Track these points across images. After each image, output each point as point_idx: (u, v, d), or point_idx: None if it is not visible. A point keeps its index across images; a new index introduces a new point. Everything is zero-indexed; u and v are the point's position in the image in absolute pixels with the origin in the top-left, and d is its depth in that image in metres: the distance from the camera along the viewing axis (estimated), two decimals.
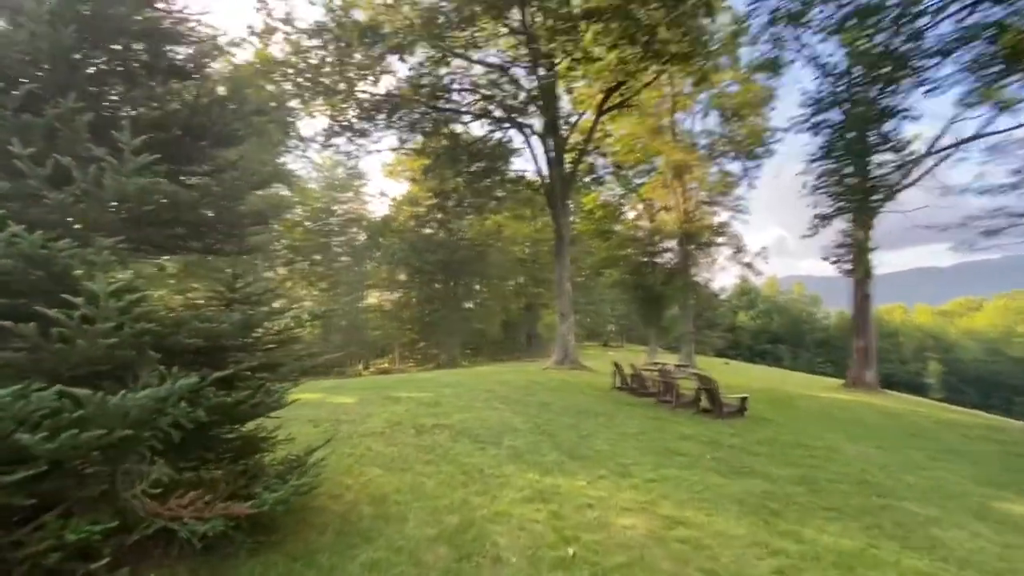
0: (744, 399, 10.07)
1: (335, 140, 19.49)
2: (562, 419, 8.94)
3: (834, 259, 15.60)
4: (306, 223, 45.66)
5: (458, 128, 20.90)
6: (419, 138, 21.45)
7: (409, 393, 11.95)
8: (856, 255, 15.51)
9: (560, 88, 20.81)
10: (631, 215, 36.85)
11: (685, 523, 4.42)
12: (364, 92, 17.96)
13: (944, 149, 14.41)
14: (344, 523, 4.30)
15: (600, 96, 19.93)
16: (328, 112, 17.84)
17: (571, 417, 9.16)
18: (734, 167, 30.97)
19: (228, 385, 3.52)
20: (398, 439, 7.33)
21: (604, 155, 20.54)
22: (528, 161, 25.54)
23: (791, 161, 24.78)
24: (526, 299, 60.07)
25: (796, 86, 42.57)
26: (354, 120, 18.65)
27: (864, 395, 19.14)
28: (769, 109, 29.20)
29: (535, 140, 20.35)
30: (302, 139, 21.66)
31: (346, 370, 37.41)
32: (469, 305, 58.89)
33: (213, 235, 4.49)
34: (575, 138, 21.43)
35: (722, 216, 35.04)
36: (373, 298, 55.60)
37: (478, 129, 21.04)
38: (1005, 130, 12.66)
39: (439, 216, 38.32)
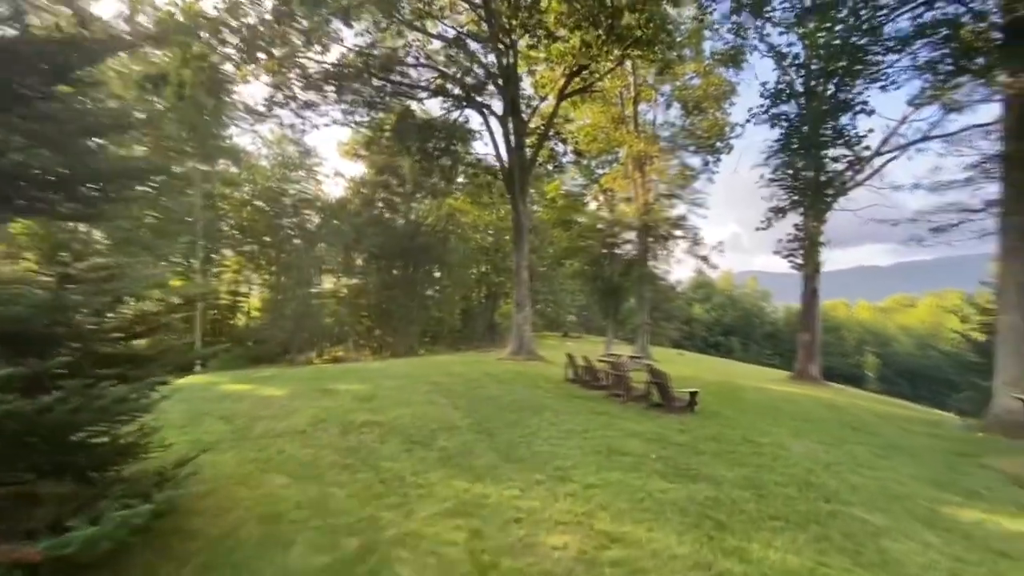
0: (694, 393, 9.80)
1: (279, 111, 18.05)
2: (506, 415, 8.38)
3: (786, 253, 15.71)
4: (256, 202, 42.89)
5: (413, 105, 19.77)
6: (372, 114, 20.24)
7: (348, 385, 11.11)
8: (807, 250, 15.68)
9: (522, 70, 20.06)
10: (592, 206, 36.69)
11: (622, 540, 3.91)
12: (309, 59, 16.61)
13: (896, 149, 14.75)
14: (216, 551, 3.55)
15: (562, 80, 19.30)
16: (268, 79, 16.39)
17: (516, 413, 8.61)
18: (694, 161, 31.20)
19: (39, 384, 2.70)
20: (318, 439, 6.57)
21: (565, 141, 19.91)
22: (487, 145, 24.84)
23: (748, 157, 25.04)
24: (488, 288, 59.46)
25: (756, 82, 43.47)
26: (299, 90, 17.27)
27: (809, 388, 19.64)
28: (729, 104, 29.49)
29: (495, 123, 19.56)
30: (249, 112, 19.97)
31: (294, 358, 35.69)
32: (429, 293, 57.73)
33: (57, 193, 3.58)
34: (536, 123, 20.78)
35: (681, 209, 35.40)
36: (329, 283, 53.59)
37: (435, 108, 20.00)
38: (951, 133, 12.92)
39: (383, 196, 36.67)
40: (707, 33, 26.37)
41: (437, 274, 58.84)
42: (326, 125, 19.26)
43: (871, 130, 12.84)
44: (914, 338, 69.66)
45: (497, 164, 20.11)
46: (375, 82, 18.86)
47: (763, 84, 12.91)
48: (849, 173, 13.52)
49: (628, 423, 8.19)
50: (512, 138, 19.42)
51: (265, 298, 44.94)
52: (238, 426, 7.27)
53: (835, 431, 9.25)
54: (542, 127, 19.95)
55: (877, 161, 16.58)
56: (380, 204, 43.65)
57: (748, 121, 13.68)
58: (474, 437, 6.87)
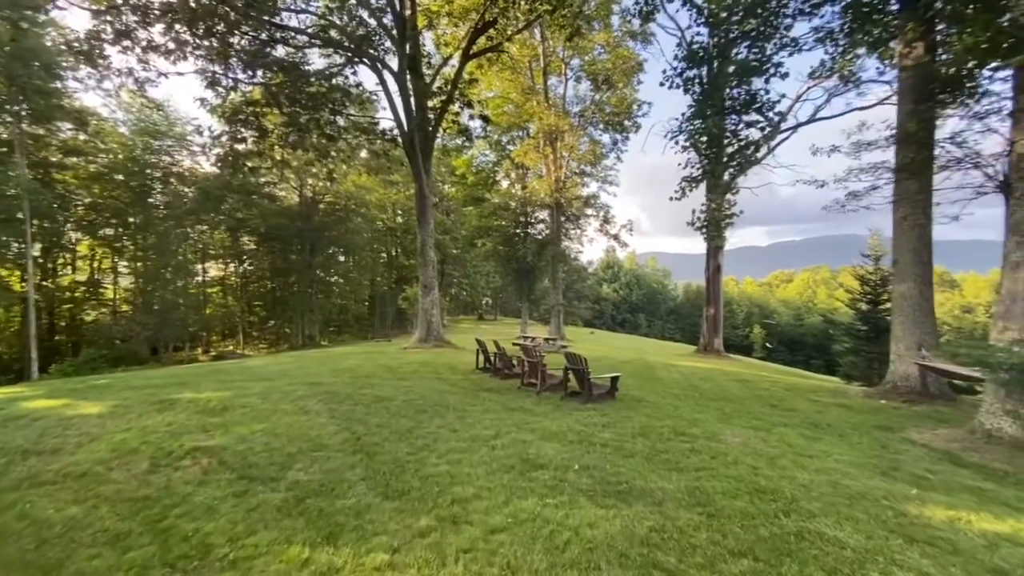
0: (615, 379, 8.83)
1: (109, 51, 14.23)
2: (398, 422, 6.72)
3: (699, 225, 15.50)
4: (116, 176, 35.52)
5: (290, 57, 16.75)
6: (246, 70, 16.89)
7: (199, 393, 8.74)
8: (716, 223, 15.60)
9: (422, 24, 17.86)
10: (505, 184, 35.40)
11: None
12: None
13: (802, 124, 14.98)
14: None
15: (466, 39, 17.45)
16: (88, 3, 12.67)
17: (411, 417, 6.98)
18: (604, 139, 30.99)
19: None
20: (103, 485, 4.47)
21: (471, 104, 18.11)
22: (384, 121, 21.87)
23: (653, 143, 25.12)
24: (398, 272, 56.36)
25: (663, 60, 44.37)
26: (135, 25, 13.67)
27: (715, 361, 20.14)
28: (637, 83, 29.48)
29: (392, 82, 17.24)
30: (70, 49, 15.66)
31: (163, 358, 30.73)
32: (334, 279, 53.33)
33: None
34: (440, 87, 18.74)
35: (592, 187, 35.32)
36: (215, 271, 47.23)
37: (319, 61, 17.14)
38: (859, 108, 13.14)
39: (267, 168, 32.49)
40: (615, 8, 25.94)
41: (342, 258, 54.65)
42: (180, 74, 15.66)
43: (783, 95, 12.64)
44: (791, 309, 77.77)
45: (397, 131, 17.83)
46: (243, 28, 15.65)
47: (677, 45, 12.22)
48: (760, 139, 13.46)
49: (545, 420, 6.92)
50: (412, 100, 17.31)
51: (130, 289, 38.16)
52: None
53: (757, 411, 8.77)
54: (446, 89, 17.99)
55: (777, 138, 17.01)
56: (268, 179, 38.77)
57: (662, 84, 12.95)
58: (346, 460, 5.15)
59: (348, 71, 16.62)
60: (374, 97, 19.57)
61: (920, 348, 10.42)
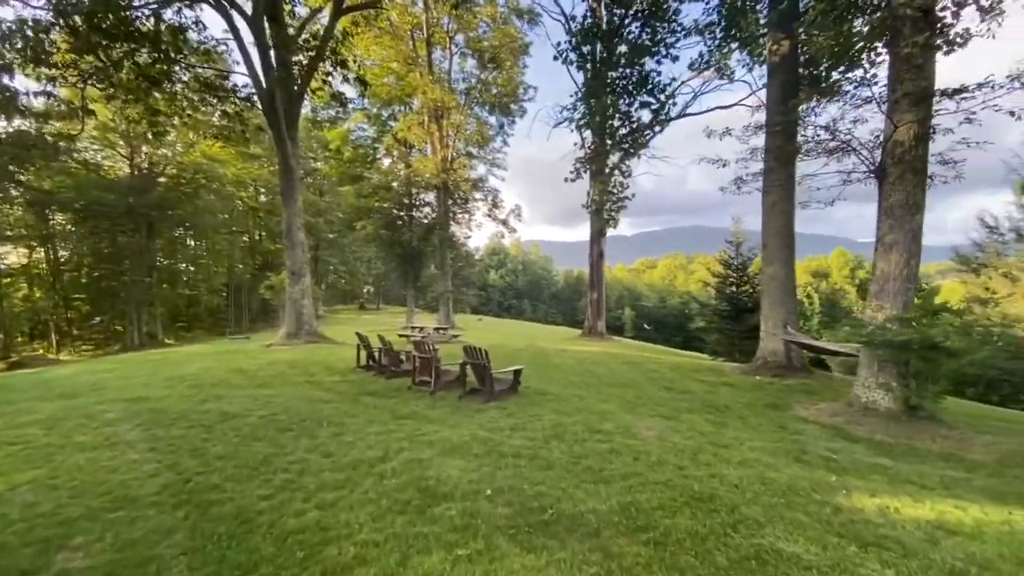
0: (518, 372, 8.07)
1: None
2: (248, 449, 5.15)
3: (595, 208, 15.45)
4: None
5: None
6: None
7: None
8: (605, 205, 15.73)
9: None
10: (387, 162, 32.94)
11: None
12: None
13: (687, 114, 15.55)
14: None
15: None
16: None
17: (269, 441, 5.43)
18: (492, 120, 30.23)
19: None
20: None
21: (345, 64, 15.79)
22: (241, 78, 17.89)
23: (537, 130, 24.90)
24: (263, 258, 50.24)
25: (549, 45, 44.88)
26: None
27: (601, 344, 20.73)
28: (523, 66, 29.09)
29: (247, 33, 14.37)
30: None
31: None
32: (183, 265, 45.65)
33: None
34: (308, 41, 16.15)
35: (480, 170, 34.42)
36: (13, 256, 37.19)
37: None
38: (724, 107, 13.88)
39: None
40: None
41: (192, 242, 47.04)
42: None
43: (674, 79, 12.88)
44: (656, 292, 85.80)
45: (255, 90, 14.94)
46: None
47: (571, 19, 11.72)
48: (651, 121, 13.67)
49: (444, 428, 5.86)
50: (273, 54, 14.67)
51: None
52: None
53: (656, 395, 8.68)
54: (315, 45, 15.54)
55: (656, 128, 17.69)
56: (85, 143, 31.24)
57: (556, 58, 12.43)
58: (161, 522, 3.58)
59: (183, 6, 13.31)
60: (223, 46, 16.29)
61: (785, 325, 11.34)
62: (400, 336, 17.85)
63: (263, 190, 45.47)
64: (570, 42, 12.32)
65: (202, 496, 3.98)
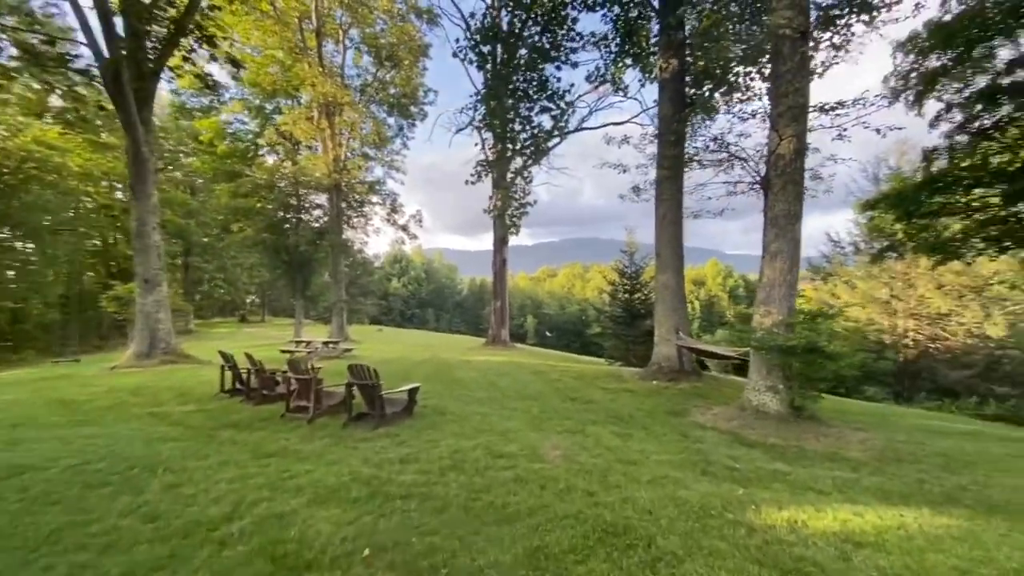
0: (413, 391, 7.24)
1: None
2: (33, 519, 3.78)
3: (497, 214, 15.07)
4: None
5: None
6: None
7: None
8: (506, 212, 15.46)
9: None
10: (271, 160, 29.94)
11: None
12: None
13: (584, 128, 15.85)
14: None
15: None
16: None
17: (66, 504, 4.07)
18: (390, 121, 28.85)
19: None
20: None
21: (212, 42, 13.66)
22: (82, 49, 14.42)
23: (438, 136, 24.25)
24: (118, 264, 43.03)
25: (448, 44, 44.12)
26: None
27: (505, 352, 20.41)
28: (423, 69, 28.19)
29: None
30: None
31: None
32: (9, 273, 37.37)
33: None
34: (163, 8, 13.82)
35: (377, 172, 32.67)
36: None
37: None
38: (617, 123, 14.38)
39: None
40: None
41: (19, 244, 38.82)
42: None
43: (573, 84, 12.95)
44: (557, 299, 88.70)
45: (96, 62, 12.36)
46: None
47: (471, 16, 11.29)
48: (555, 131, 13.64)
49: (318, 467, 4.88)
50: (121, 21, 12.35)
51: None
52: None
53: (561, 408, 8.37)
54: (174, 15, 13.34)
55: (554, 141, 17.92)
56: None
57: (455, 55, 11.90)
58: None
59: None
60: (53, 8, 13.39)
61: (677, 331, 11.80)
62: (283, 352, 15.98)
63: (119, 186, 39.03)
64: (469, 40, 11.89)
65: None
